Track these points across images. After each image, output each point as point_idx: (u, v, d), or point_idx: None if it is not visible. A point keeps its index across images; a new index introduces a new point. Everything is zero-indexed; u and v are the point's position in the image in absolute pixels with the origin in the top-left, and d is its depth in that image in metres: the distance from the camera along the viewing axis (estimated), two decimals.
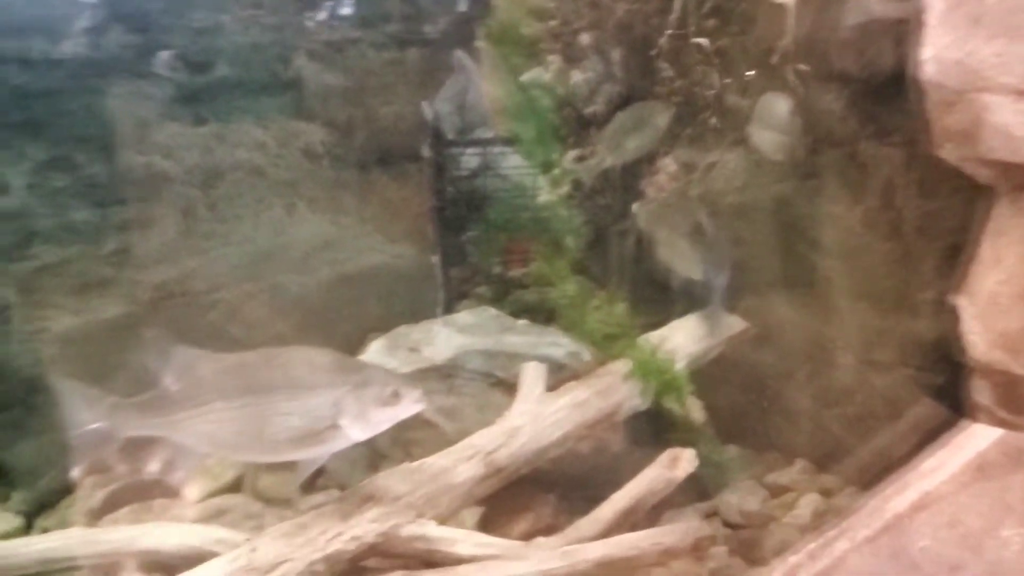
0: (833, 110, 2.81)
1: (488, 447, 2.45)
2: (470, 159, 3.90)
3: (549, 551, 2.26)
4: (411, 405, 2.10)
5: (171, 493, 2.80)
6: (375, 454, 2.72)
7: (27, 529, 2.75)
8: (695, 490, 2.85)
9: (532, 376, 2.65)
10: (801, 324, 2.99)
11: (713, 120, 3.25)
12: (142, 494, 2.76)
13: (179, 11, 3.42)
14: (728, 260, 2.91)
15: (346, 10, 3.81)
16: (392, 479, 2.32)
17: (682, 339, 2.88)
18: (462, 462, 2.40)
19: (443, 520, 2.35)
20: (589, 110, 3.58)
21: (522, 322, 3.02)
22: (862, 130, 2.76)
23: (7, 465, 2.99)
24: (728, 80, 3.19)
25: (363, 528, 2.16)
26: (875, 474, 2.58)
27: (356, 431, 2.08)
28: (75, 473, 2.86)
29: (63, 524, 2.67)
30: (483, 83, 3.95)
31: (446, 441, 2.52)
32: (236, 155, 3.55)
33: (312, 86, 3.69)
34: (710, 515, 2.81)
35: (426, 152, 3.90)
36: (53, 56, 3.16)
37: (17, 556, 2.26)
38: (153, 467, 2.94)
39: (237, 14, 3.55)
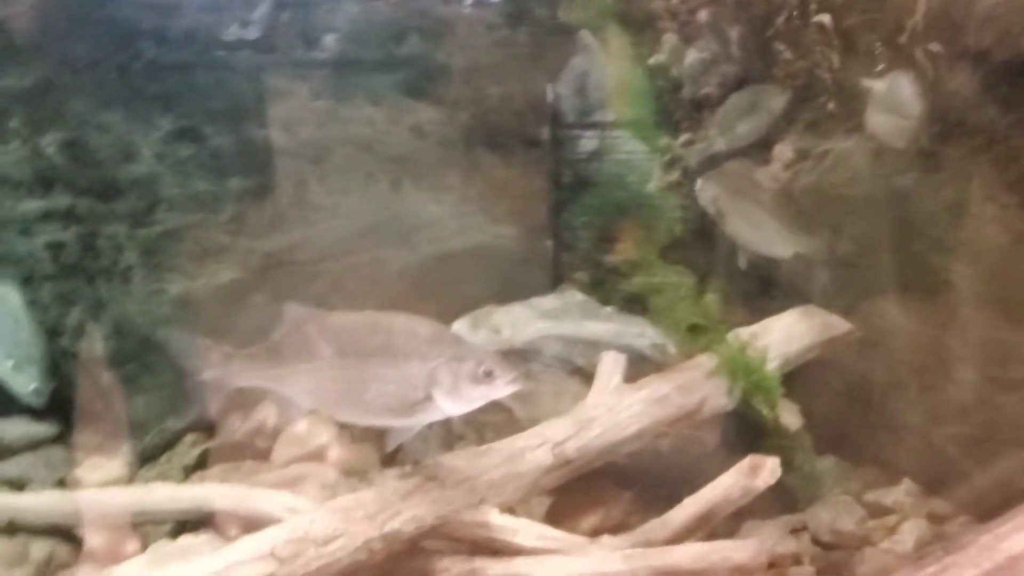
0: (966, 94, 2.53)
1: (558, 437, 2.40)
2: (588, 142, 3.85)
3: (611, 551, 2.20)
4: (504, 385, 2.07)
5: (260, 455, 2.94)
6: (449, 433, 2.73)
7: (129, 480, 2.96)
8: (784, 500, 2.69)
9: (610, 366, 2.58)
10: (915, 331, 2.74)
11: (831, 105, 3.01)
12: (234, 454, 2.91)
13: None
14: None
15: None
16: (457, 461, 2.32)
17: (777, 337, 2.70)
18: (530, 450, 2.37)
19: (508, 507, 2.34)
20: (703, 92, 3.41)
21: (608, 309, 2.94)
22: (999, 117, 2.46)
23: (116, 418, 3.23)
24: (849, 61, 2.94)
25: (423, 509, 2.17)
26: (993, 505, 2.32)
27: (448, 405, 2.08)
28: (186, 422, 3.05)
29: (162, 477, 2.86)
30: (605, 64, 3.86)
31: (518, 427, 2.50)
32: (348, 130, 3.65)
33: (423, 64, 3.72)
34: (797, 530, 2.64)
35: (545, 134, 3.88)
36: (185, 31, 3.34)
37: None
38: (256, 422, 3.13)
39: None
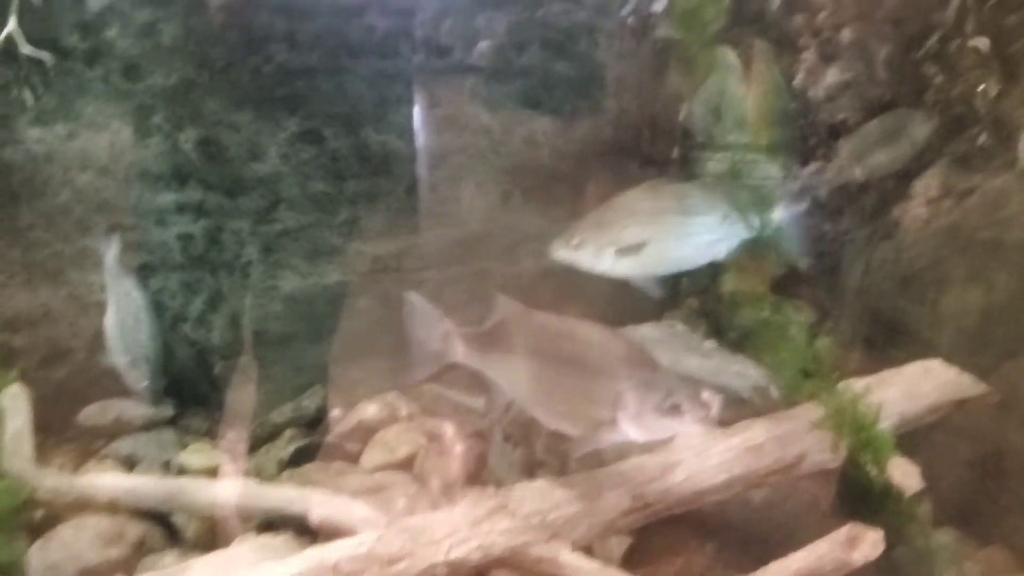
0: None
1: (638, 478, 2.28)
2: (718, 164, 3.68)
3: None
4: (691, 422, 1.99)
5: (350, 457, 2.99)
6: (532, 459, 2.67)
7: None
8: (889, 572, 2.45)
9: None
10: None
11: (983, 137, 2.71)
12: (325, 454, 2.98)
13: None
14: None
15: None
16: (532, 491, 2.25)
17: (895, 392, 2.45)
18: (609, 488, 2.26)
19: (585, 545, 2.25)
20: (840, 117, 3.17)
21: (709, 344, 2.78)
22: None
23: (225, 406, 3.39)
24: (1010, 90, 2.64)
25: (491, 539, 2.12)
26: None
27: (631, 430, 2.03)
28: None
29: (257, 468, 2.97)
30: (745, 84, 3.68)
31: (600, 461, 2.40)
32: (462, 139, 3.66)
33: (542, 75, 3.67)
34: None
35: (675, 153, 3.74)
36: (314, 36, 3.45)
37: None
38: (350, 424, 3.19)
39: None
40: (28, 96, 3.11)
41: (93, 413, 3.18)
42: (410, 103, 3.58)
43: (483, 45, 3.55)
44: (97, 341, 3.16)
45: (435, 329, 2.25)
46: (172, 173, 3.37)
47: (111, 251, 3.15)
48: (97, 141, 3.27)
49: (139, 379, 3.06)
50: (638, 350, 2.09)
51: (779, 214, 3.43)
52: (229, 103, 3.37)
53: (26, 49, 3.02)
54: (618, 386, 1.97)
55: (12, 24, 3.00)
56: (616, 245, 2.57)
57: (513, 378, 2.21)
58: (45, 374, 3.21)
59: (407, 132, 3.57)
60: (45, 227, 3.25)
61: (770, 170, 3.59)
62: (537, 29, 3.60)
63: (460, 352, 2.25)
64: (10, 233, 3.19)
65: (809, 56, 3.32)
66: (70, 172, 3.25)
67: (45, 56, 3.06)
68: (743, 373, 2.60)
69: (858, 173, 3.12)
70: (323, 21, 3.40)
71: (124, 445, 3.08)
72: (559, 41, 3.62)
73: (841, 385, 2.42)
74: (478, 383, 3.21)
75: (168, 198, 3.37)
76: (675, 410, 1.94)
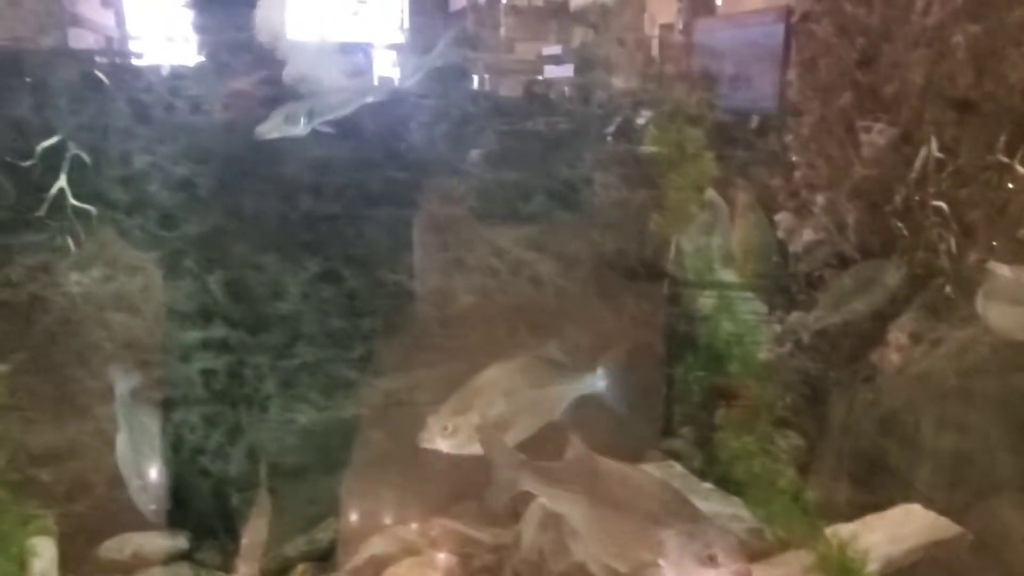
0: None
1: None
2: (707, 300, 3.94)
3: None
4: (727, 574, 2.07)
5: None
6: None
7: None
8: None
9: None
10: None
11: (948, 288, 3.02)
12: None
13: (446, 152, 3.90)
14: None
15: (591, 154, 4.09)
16: None
17: (880, 537, 2.65)
18: None
19: None
20: (816, 272, 3.48)
21: (707, 486, 2.97)
22: None
23: (240, 538, 3.49)
24: (968, 248, 2.97)
25: None
26: None
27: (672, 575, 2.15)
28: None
29: None
30: (732, 224, 3.98)
31: None
32: (471, 279, 3.93)
33: (546, 220, 3.99)
34: None
35: (665, 289, 4.02)
36: (337, 187, 3.75)
37: None
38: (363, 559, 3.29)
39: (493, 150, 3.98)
40: (70, 243, 3.35)
41: (112, 547, 3.27)
42: (423, 246, 3.87)
43: (494, 195, 3.88)
44: (117, 475, 3.28)
45: (511, 458, 2.45)
46: (199, 312, 3.58)
47: (125, 383, 3.31)
48: (131, 283, 3.50)
49: (148, 502, 3.17)
50: (683, 500, 2.25)
51: (765, 354, 3.71)
52: (256, 247, 3.63)
53: (73, 202, 3.29)
54: (662, 533, 2.12)
55: (62, 180, 3.27)
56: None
57: (574, 512, 2.39)
58: (68, 508, 3.32)
59: (419, 273, 3.85)
60: (77, 364, 3.43)
61: (755, 307, 3.90)
62: (542, 180, 3.94)
63: (528, 482, 2.43)
64: (45, 370, 3.37)
65: (786, 216, 3.66)
66: (104, 312, 3.46)
67: (91, 209, 3.32)
68: (738, 515, 2.78)
69: (837, 318, 3.40)
70: (347, 174, 3.71)
71: None
72: (561, 192, 3.96)
73: (829, 531, 2.62)
74: (487, 517, 3.39)
75: (194, 335, 3.57)
76: (712, 560, 2.07)
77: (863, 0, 3.47)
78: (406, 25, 4.74)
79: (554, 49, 4.84)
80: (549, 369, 3.07)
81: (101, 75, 3.35)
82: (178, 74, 3.54)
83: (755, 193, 3.93)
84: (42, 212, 3.23)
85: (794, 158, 3.74)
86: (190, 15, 3.74)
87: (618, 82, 4.48)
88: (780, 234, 3.56)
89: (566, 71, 4.51)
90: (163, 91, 3.42)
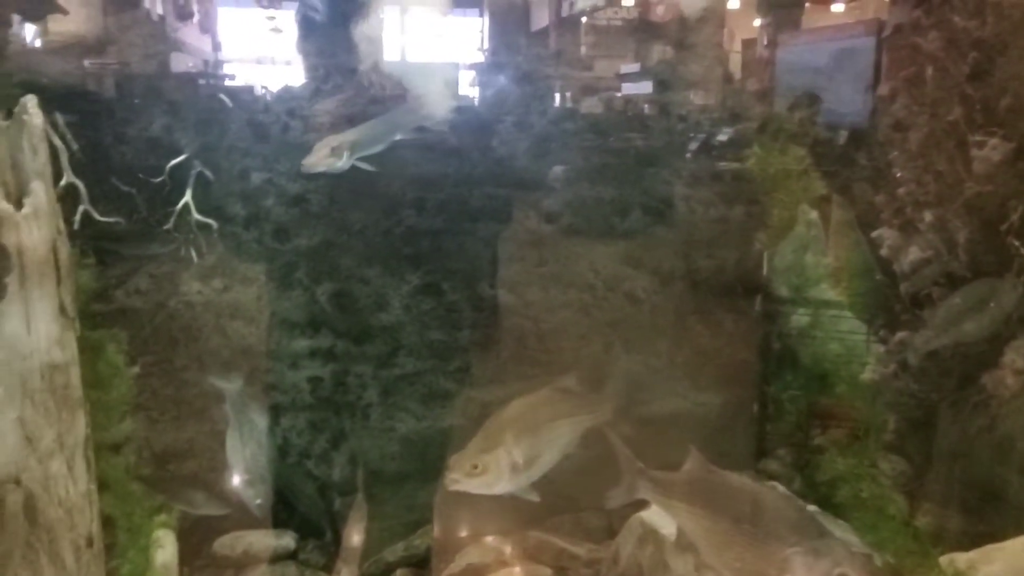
0: None
1: None
2: (801, 318, 3.88)
3: None
4: None
5: None
6: None
7: None
8: None
9: None
10: None
11: None
12: None
13: (541, 169, 3.98)
14: None
15: (685, 170, 4.10)
16: None
17: (998, 569, 2.54)
18: None
19: None
20: (923, 291, 3.38)
21: (811, 508, 2.91)
22: None
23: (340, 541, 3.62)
24: None
25: None
26: None
27: None
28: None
29: None
30: (827, 241, 3.93)
31: None
32: (568, 294, 3.98)
33: (643, 237, 4.01)
34: None
35: (756, 305, 3.98)
36: (440, 203, 3.87)
37: None
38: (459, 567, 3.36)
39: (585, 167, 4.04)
40: (193, 255, 3.56)
41: (226, 543, 3.44)
42: (520, 261, 3.94)
43: (592, 211, 3.93)
44: (230, 474, 3.46)
45: (628, 465, 2.51)
46: (308, 321, 3.75)
47: (235, 385, 3.50)
48: (247, 293, 3.69)
49: (254, 497, 3.33)
50: (809, 516, 2.26)
51: (867, 375, 3.62)
52: (362, 260, 3.78)
53: (197, 216, 3.50)
54: (788, 550, 2.11)
55: (188, 196, 3.49)
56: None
57: (690, 526, 2.41)
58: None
59: (517, 287, 3.92)
60: (196, 368, 3.63)
61: (852, 325, 3.81)
62: (638, 197, 3.96)
63: (645, 490, 2.50)
64: (168, 373, 3.58)
65: (890, 234, 3.56)
66: (222, 320, 3.66)
67: (212, 222, 3.52)
68: (846, 540, 2.71)
69: (947, 340, 3.29)
70: (449, 190, 3.83)
71: None
72: (658, 208, 3.97)
73: (944, 560, 2.53)
74: (582, 532, 3.41)
75: (303, 344, 3.74)
76: None
77: (975, 13, 3.38)
78: (486, 45, 4.87)
79: (632, 67, 4.88)
80: (568, 401, 3.10)
81: (225, 98, 3.56)
82: (293, 95, 3.73)
83: (853, 210, 3.87)
84: (169, 225, 3.44)
85: (899, 174, 3.65)
86: (294, 39, 3.95)
87: (705, 99, 4.49)
88: (884, 252, 3.46)
89: (647, 88, 4.54)
90: (280, 111, 3.60)
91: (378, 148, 3.25)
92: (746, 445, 3.95)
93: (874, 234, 3.55)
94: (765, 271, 4.00)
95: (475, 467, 2.69)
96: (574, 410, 3.04)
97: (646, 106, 4.54)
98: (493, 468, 2.69)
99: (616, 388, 3.23)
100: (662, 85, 4.38)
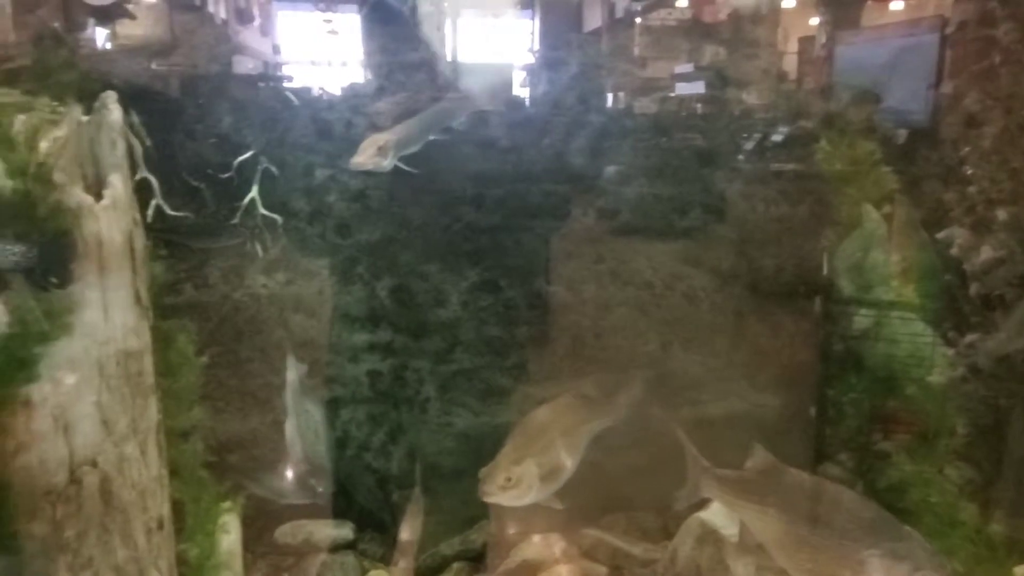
0: None
1: None
2: (863, 319, 3.79)
3: None
4: None
5: None
6: None
7: None
8: None
9: None
10: None
11: None
12: None
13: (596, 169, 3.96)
14: None
15: (744, 168, 4.04)
16: None
17: None
18: None
19: None
20: (995, 292, 3.28)
21: None
22: None
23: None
24: None
25: None
26: None
27: None
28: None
29: None
30: (891, 242, 3.83)
31: None
32: (626, 292, 3.96)
33: (702, 235, 3.97)
34: None
35: (817, 306, 3.91)
36: (498, 199, 3.89)
37: None
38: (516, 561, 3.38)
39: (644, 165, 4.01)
40: (258, 249, 3.64)
41: (287, 532, 3.52)
42: (578, 258, 3.94)
43: (651, 209, 3.90)
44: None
45: (694, 463, 2.52)
46: (368, 316, 3.81)
47: (294, 375, 3.57)
48: (309, 287, 3.77)
49: (315, 486, 3.40)
50: (887, 517, 2.19)
51: (935, 377, 3.52)
52: (421, 256, 3.82)
53: (262, 211, 3.59)
54: (864, 551, 2.07)
55: (254, 191, 3.58)
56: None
57: (759, 524, 2.39)
58: (248, 492, 3.60)
59: (575, 284, 3.92)
60: (260, 360, 3.72)
61: (917, 328, 3.69)
62: (698, 195, 3.92)
63: (709, 488, 2.51)
64: (233, 364, 3.68)
65: (961, 232, 3.46)
66: (285, 313, 3.75)
67: (277, 217, 3.60)
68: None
69: (1018, 344, 3.18)
70: (508, 186, 3.84)
71: (311, 566, 3.38)
72: (719, 205, 3.92)
73: (1020, 570, 2.45)
74: (637, 531, 3.39)
75: (362, 338, 3.80)
76: None
77: None
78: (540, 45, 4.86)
79: (686, 67, 4.84)
80: (588, 407, 3.16)
81: (292, 96, 3.64)
82: (356, 93, 3.80)
83: (919, 209, 3.76)
84: (236, 220, 3.53)
85: (970, 171, 3.54)
86: (360, 36, 4.01)
87: (761, 97, 4.42)
88: (954, 251, 3.36)
89: (701, 88, 4.49)
90: (344, 109, 3.67)
91: (417, 147, 3.30)
92: (805, 448, 3.87)
93: (943, 233, 3.45)
94: (826, 271, 3.91)
95: (508, 480, 2.78)
96: (591, 416, 3.13)
97: (699, 105, 4.50)
98: (525, 480, 2.78)
99: (631, 395, 3.30)
100: (718, 83, 4.33)
